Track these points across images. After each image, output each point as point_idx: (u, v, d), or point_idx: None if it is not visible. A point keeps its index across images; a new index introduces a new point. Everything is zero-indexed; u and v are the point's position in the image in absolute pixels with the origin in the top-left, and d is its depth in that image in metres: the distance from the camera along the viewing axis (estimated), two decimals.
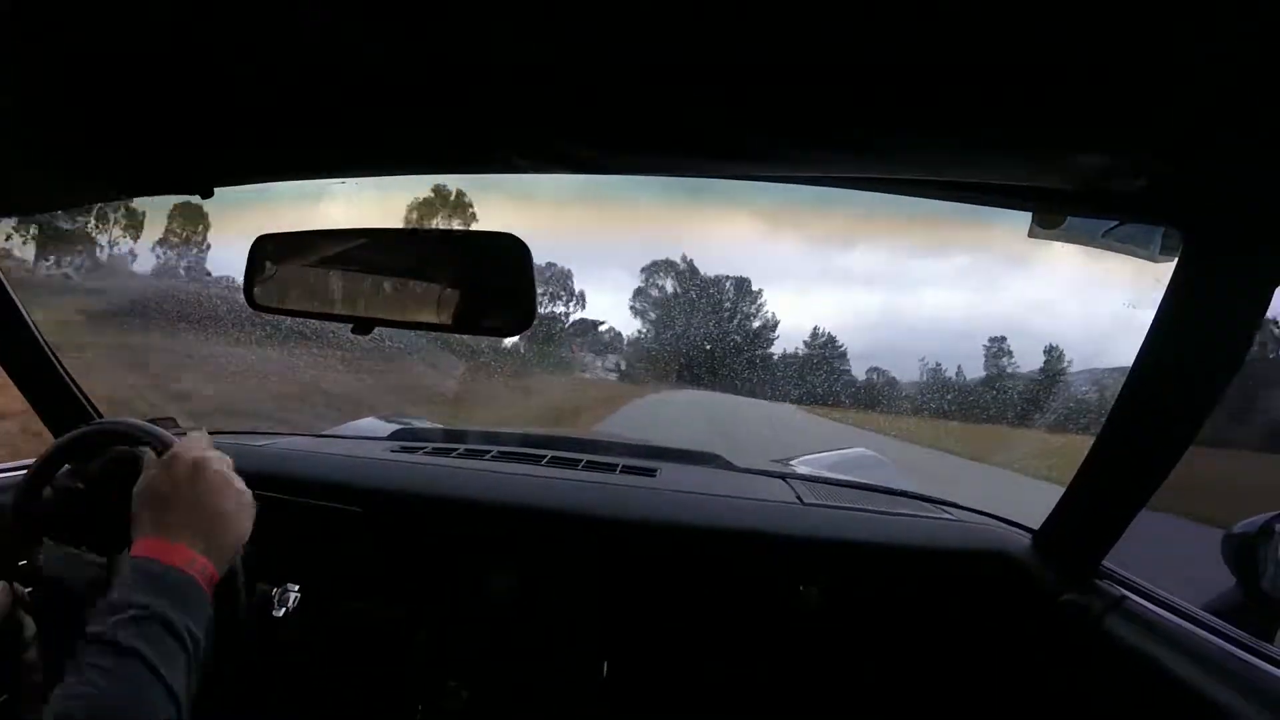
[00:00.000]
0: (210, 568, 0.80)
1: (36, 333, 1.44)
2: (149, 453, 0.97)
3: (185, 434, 0.95)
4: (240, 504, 0.89)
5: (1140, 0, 0.45)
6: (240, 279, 1.08)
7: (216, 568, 0.81)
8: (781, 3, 0.49)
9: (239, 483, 0.90)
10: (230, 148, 0.93)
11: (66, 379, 1.51)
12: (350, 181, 1.03)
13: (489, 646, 1.40)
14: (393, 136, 0.86)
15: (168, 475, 0.85)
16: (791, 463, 1.99)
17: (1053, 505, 1.21)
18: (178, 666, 0.70)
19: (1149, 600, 1.10)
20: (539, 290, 0.93)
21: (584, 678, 1.37)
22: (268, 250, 1.06)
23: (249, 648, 1.17)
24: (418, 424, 2.19)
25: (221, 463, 0.90)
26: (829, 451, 2.33)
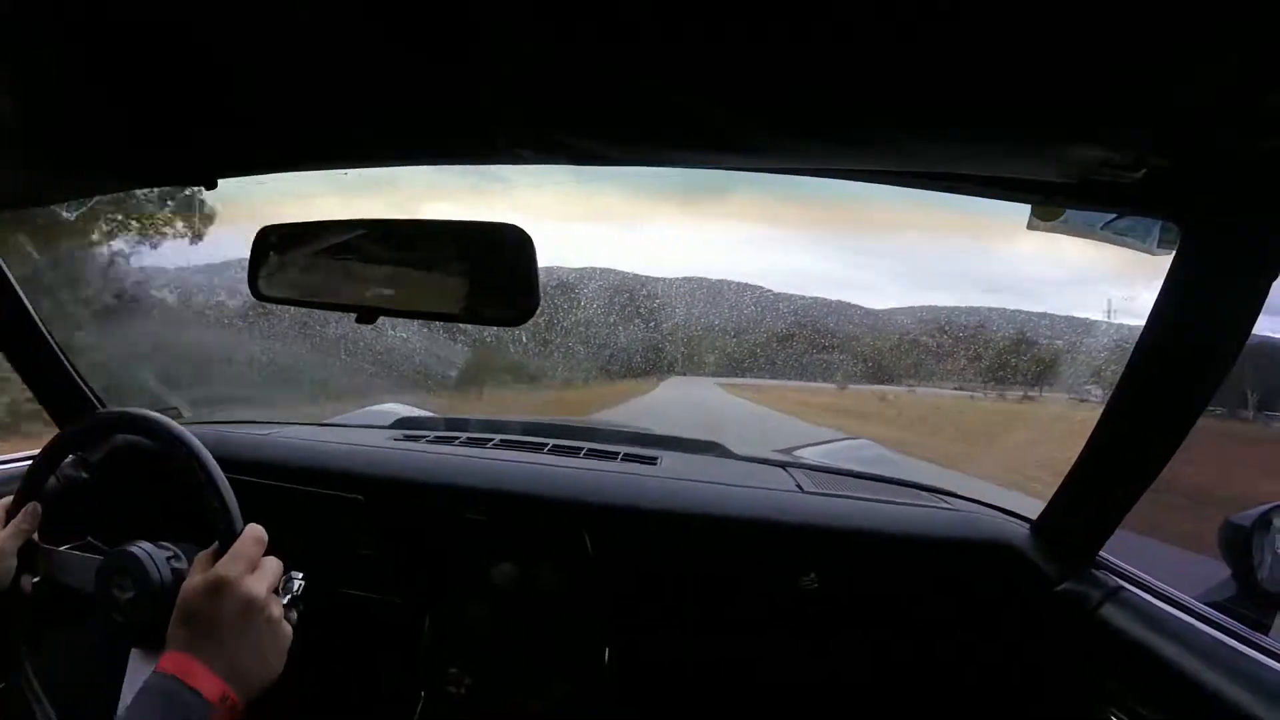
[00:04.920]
0: (236, 702, 0.79)
1: (39, 323, 1.45)
2: (197, 554, 0.94)
3: (243, 535, 0.92)
4: (282, 645, 0.87)
5: None
6: None
7: (242, 701, 0.80)
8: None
9: (286, 625, 0.89)
10: (234, 139, 0.93)
11: (70, 369, 1.52)
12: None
13: (491, 633, 1.41)
14: (397, 127, 0.86)
15: (214, 601, 0.83)
16: (792, 452, 1.99)
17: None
18: None
19: (1145, 591, 1.11)
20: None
21: (586, 664, 1.38)
22: (271, 241, 1.06)
23: None
24: (420, 413, 2.20)
25: (273, 601, 0.88)
26: (830, 441, 2.33)
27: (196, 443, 1.01)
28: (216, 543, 0.92)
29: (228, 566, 0.86)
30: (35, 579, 1.04)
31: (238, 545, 0.90)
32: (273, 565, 0.92)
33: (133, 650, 0.98)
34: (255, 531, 0.93)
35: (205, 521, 0.96)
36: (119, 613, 0.97)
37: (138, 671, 0.97)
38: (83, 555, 1.05)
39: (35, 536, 1.05)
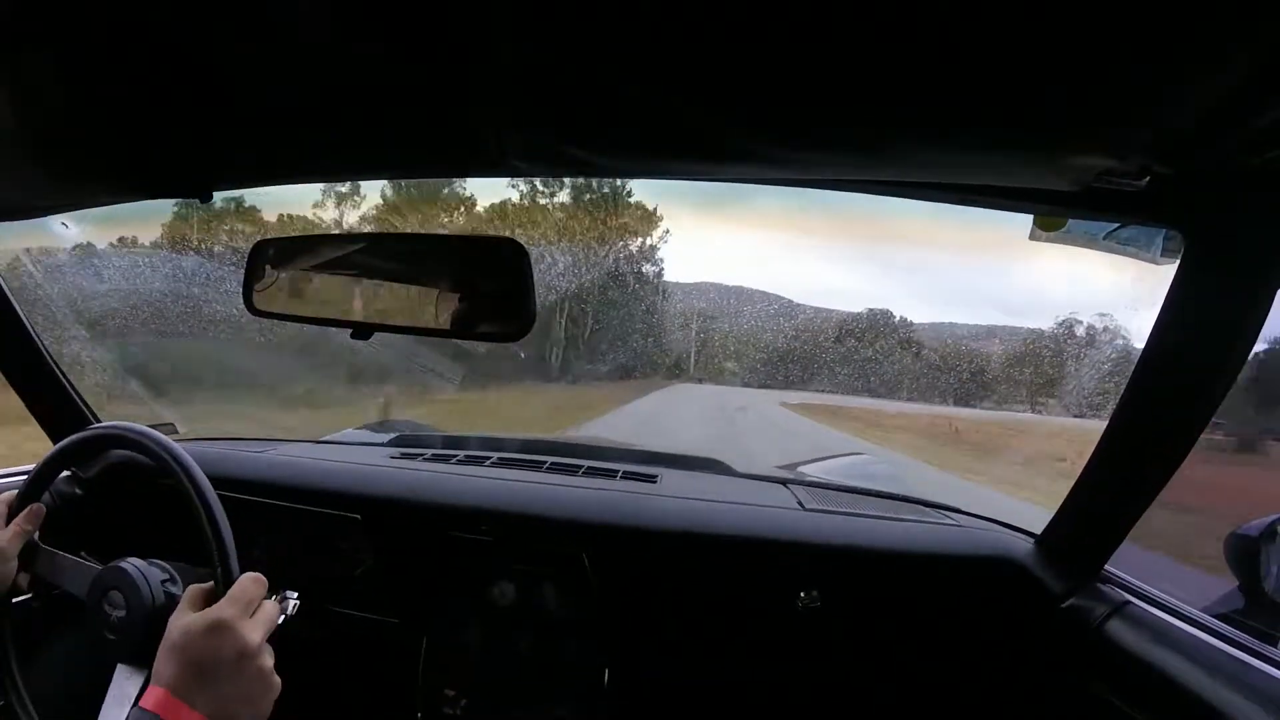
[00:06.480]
0: None
1: (35, 337, 1.44)
2: (192, 586, 0.93)
3: (244, 577, 0.92)
4: (271, 696, 0.86)
5: (1141, 1, 0.45)
6: None
7: None
8: (782, 6, 0.48)
9: (276, 677, 0.87)
10: (228, 151, 0.93)
11: (65, 383, 1.52)
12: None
13: (489, 654, 1.39)
14: (392, 140, 0.86)
15: (211, 643, 0.82)
16: (794, 468, 1.98)
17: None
18: None
19: (1152, 604, 1.10)
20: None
21: (585, 685, 1.36)
22: (267, 255, 1.06)
23: None
24: (418, 430, 2.19)
25: (267, 650, 0.87)
26: (831, 457, 2.32)
27: (193, 465, 1.00)
28: (211, 582, 0.92)
29: (227, 609, 0.85)
30: (29, 590, 1.04)
31: (240, 588, 0.89)
32: (270, 611, 0.91)
33: (118, 665, 0.97)
34: (256, 575, 0.92)
35: (200, 550, 0.95)
36: (110, 630, 0.96)
37: (120, 686, 0.96)
38: (81, 561, 1.04)
39: (36, 537, 1.06)
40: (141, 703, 0.77)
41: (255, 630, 0.86)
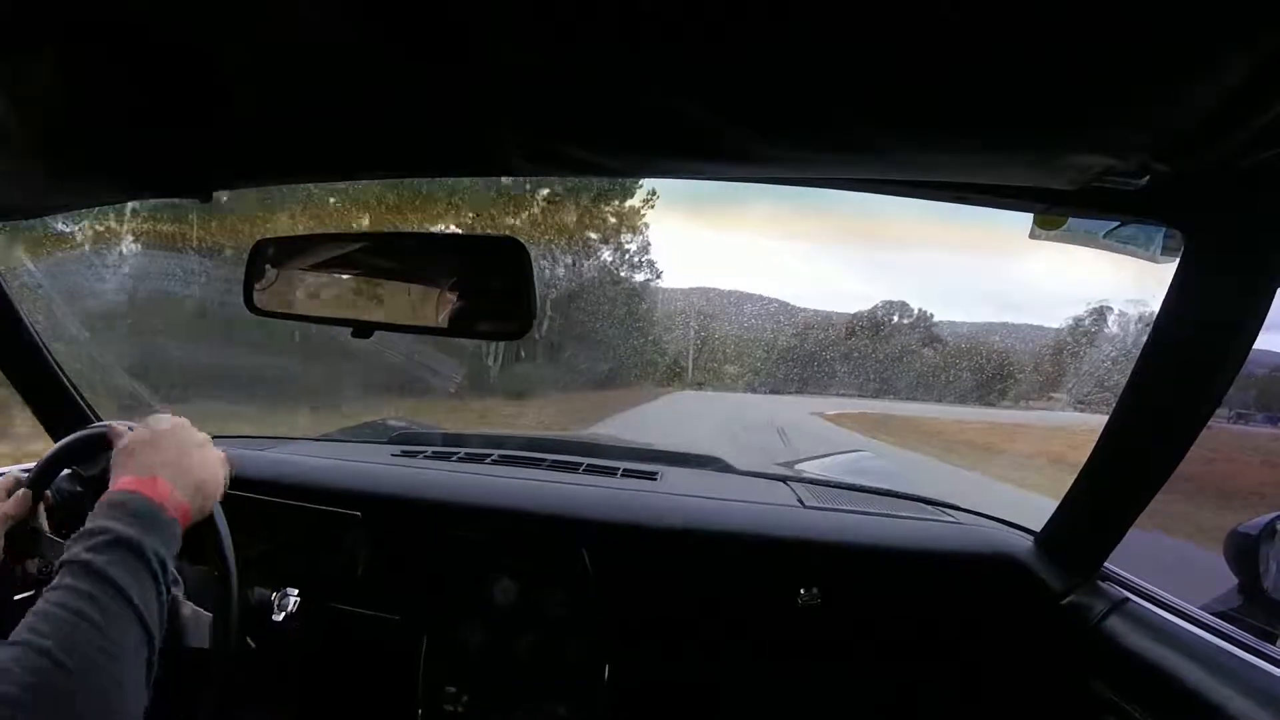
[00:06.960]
0: (184, 504, 0.82)
1: (35, 335, 1.44)
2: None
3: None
4: (214, 460, 0.94)
5: (1141, 1, 0.45)
6: None
7: (191, 507, 0.83)
8: (782, 6, 0.48)
9: (212, 446, 0.95)
10: (230, 152, 0.93)
11: (65, 382, 1.51)
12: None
13: (489, 651, 1.39)
14: (392, 139, 0.86)
15: (145, 429, 0.90)
16: (793, 466, 1.98)
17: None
18: (150, 594, 0.70)
19: (1151, 602, 1.10)
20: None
21: (585, 683, 1.37)
22: (267, 254, 1.06)
23: (247, 651, 1.16)
24: (418, 428, 2.19)
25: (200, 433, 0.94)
26: (830, 455, 2.33)
27: None
28: None
29: (159, 418, 0.94)
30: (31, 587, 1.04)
31: (157, 417, 0.96)
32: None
33: None
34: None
35: (199, 546, 0.95)
36: None
37: None
38: None
39: (46, 526, 1.07)
40: (115, 486, 0.79)
41: (181, 420, 0.95)
